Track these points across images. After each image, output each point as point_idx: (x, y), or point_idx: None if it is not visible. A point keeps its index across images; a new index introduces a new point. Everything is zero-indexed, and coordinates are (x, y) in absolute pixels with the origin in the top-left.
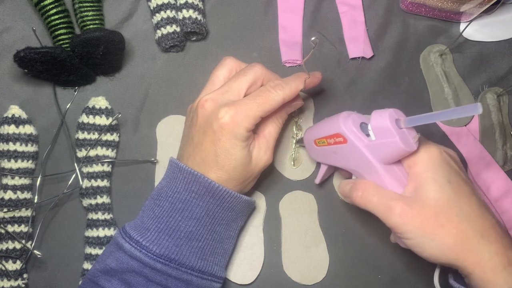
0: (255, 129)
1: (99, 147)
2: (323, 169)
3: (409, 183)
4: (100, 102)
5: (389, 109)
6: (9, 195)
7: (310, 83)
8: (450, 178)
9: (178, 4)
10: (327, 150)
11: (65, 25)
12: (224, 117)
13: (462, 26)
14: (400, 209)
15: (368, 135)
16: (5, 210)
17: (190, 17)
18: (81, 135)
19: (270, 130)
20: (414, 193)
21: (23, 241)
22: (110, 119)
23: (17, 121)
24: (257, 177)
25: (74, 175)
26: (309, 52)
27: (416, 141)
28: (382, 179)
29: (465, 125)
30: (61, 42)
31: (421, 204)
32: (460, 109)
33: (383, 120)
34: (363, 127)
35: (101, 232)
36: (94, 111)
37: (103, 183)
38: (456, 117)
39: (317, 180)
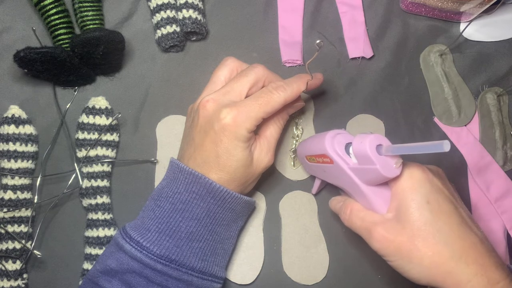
0: (257, 130)
1: (99, 147)
2: (317, 181)
3: (391, 203)
4: (100, 102)
5: (370, 136)
6: (9, 195)
7: (311, 85)
8: (429, 198)
9: (178, 4)
10: (317, 167)
11: (65, 25)
12: (225, 118)
13: (462, 26)
14: (378, 234)
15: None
16: (5, 210)
17: (190, 17)
18: (81, 135)
19: (272, 131)
20: (395, 215)
21: (23, 241)
22: (110, 119)
23: (17, 121)
24: (258, 178)
25: (74, 175)
26: (309, 52)
27: (399, 166)
28: (368, 200)
29: (465, 125)
30: (61, 42)
31: (399, 227)
32: (429, 146)
33: (363, 147)
34: (349, 147)
35: (101, 232)
36: (94, 111)
37: (103, 183)
38: (429, 152)
39: (313, 191)
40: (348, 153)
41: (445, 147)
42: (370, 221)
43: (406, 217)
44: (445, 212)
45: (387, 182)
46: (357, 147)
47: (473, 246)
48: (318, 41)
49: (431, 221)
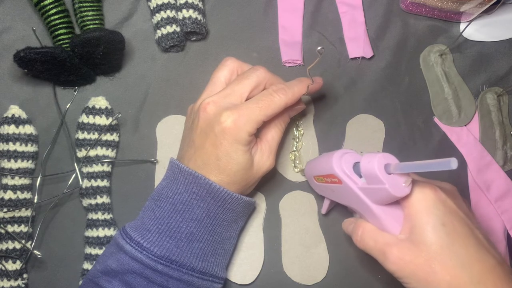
0: (258, 133)
1: (99, 147)
2: (327, 201)
3: (404, 224)
4: (100, 102)
5: (378, 154)
6: (9, 195)
7: (311, 89)
8: (444, 220)
9: (178, 4)
10: (326, 187)
11: (65, 25)
12: (226, 121)
13: (462, 26)
14: (393, 256)
15: (362, 176)
16: (5, 210)
17: (190, 17)
18: (81, 135)
19: (273, 134)
20: (409, 236)
21: (23, 241)
22: (110, 119)
23: (17, 121)
24: (259, 180)
25: (74, 175)
26: (309, 52)
27: (409, 185)
28: (379, 220)
29: (465, 125)
30: (61, 42)
31: (414, 249)
32: (436, 163)
33: (371, 166)
34: (357, 167)
35: (101, 232)
36: (94, 111)
37: (103, 183)
38: (437, 169)
39: (323, 211)
40: (356, 172)
41: (453, 164)
42: (383, 242)
43: (421, 240)
44: (461, 234)
45: (398, 202)
46: (365, 166)
47: (492, 269)
48: (319, 48)
49: (447, 244)
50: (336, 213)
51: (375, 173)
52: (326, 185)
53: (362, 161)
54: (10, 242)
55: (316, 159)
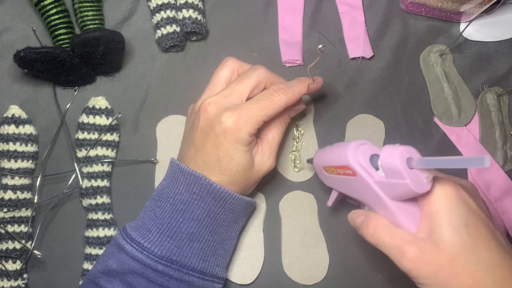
0: (258, 134)
1: (99, 147)
2: (334, 193)
3: (423, 222)
4: (100, 102)
5: (400, 147)
6: (9, 195)
7: (312, 88)
8: (467, 220)
9: (178, 4)
10: (337, 179)
11: (65, 25)
12: (227, 121)
13: (462, 26)
14: (412, 254)
15: (378, 169)
16: (5, 210)
17: (190, 17)
18: (81, 135)
19: (273, 134)
20: (428, 235)
21: (23, 241)
22: (110, 119)
23: (17, 121)
24: (259, 181)
25: (74, 175)
26: (309, 52)
27: (430, 181)
28: (394, 216)
29: (465, 125)
30: (61, 42)
31: (435, 249)
32: (467, 160)
33: (393, 160)
34: (374, 159)
35: (101, 232)
36: (94, 111)
37: (103, 183)
38: (466, 167)
39: (329, 203)
40: (372, 165)
41: (486, 163)
42: (401, 239)
43: (442, 240)
44: (483, 236)
45: (415, 198)
46: (386, 160)
47: None
48: (320, 46)
49: (471, 246)
50: (337, 213)
51: (397, 167)
52: (338, 176)
53: (382, 154)
54: (10, 242)
55: (328, 148)
